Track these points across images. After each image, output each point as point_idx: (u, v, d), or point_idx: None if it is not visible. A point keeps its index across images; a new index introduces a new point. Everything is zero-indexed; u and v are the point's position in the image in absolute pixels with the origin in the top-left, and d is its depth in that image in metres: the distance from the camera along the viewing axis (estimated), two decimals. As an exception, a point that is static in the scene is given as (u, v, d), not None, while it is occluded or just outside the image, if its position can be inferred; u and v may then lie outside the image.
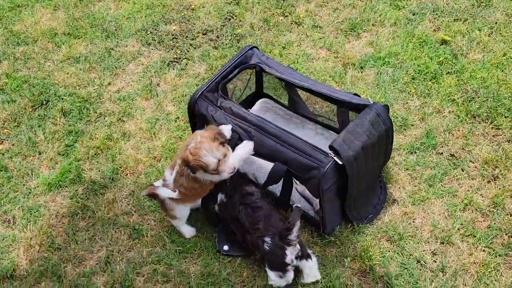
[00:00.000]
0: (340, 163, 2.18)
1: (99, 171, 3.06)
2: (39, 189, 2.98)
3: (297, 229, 2.22)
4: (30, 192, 2.97)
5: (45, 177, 3.04)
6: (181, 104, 3.37)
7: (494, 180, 2.63)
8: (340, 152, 2.16)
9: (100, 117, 3.38)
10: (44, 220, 2.82)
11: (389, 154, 2.48)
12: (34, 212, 2.86)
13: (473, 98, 3.03)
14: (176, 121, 3.29)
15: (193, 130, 2.85)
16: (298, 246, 2.30)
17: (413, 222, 2.54)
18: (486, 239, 2.42)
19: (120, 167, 3.06)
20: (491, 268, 2.31)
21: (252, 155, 2.52)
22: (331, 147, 2.20)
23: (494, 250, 2.38)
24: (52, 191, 2.98)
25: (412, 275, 2.35)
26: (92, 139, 3.24)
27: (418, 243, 2.46)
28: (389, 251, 2.45)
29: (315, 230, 2.56)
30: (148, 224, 2.76)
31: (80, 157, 3.14)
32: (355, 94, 2.56)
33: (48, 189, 2.98)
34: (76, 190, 2.97)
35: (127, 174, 3.03)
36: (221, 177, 2.32)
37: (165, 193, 2.45)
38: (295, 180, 2.47)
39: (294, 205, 2.27)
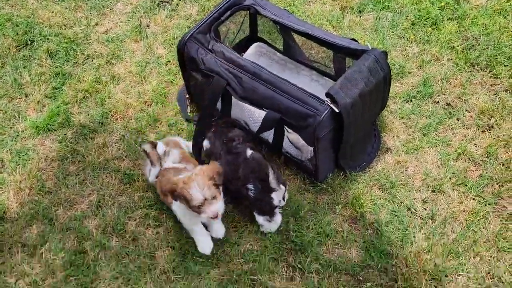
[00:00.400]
0: (337, 111, 2.13)
1: (88, 115, 2.98)
2: (27, 132, 2.91)
3: (272, 177, 2.23)
4: (18, 135, 2.90)
5: (33, 120, 2.97)
6: (172, 47, 3.24)
7: (489, 130, 2.61)
8: (337, 100, 2.10)
9: (88, 59, 3.26)
10: (33, 163, 2.78)
11: (385, 101, 2.43)
12: (23, 155, 2.81)
13: (473, 45, 2.94)
14: (167, 64, 3.18)
15: (184, 74, 2.76)
16: (282, 187, 2.31)
17: (406, 170, 2.54)
18: (477, 188, 2.43)
19: (110, 111, 2.98)
20: (480, 216, 2.34)
21: (244, 102, 2.46)
22: (327, 94, 2.14)
23: (484, 199, 2.40)
24: (41, 135, 2.91)
25: (402, 222, 2.38)
26: (80, 82, 3.14)
27: (409, 191, 2.47)
28: (380, 199, 2.46)
29: (307, 177, 2.55)
30: (140, 169, 2.73)
31: (68, 100, 3.05)
32: (353, 40, 2.47)
33: (36, 132, 2.91)
34: (65, 134, 2.90)
35: (117, 119, 2.97)
36: (199, 216, 2.20)
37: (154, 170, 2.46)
38: (286, 128, 2.43)
39: None
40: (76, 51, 3.28)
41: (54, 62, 3.23)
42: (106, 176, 2.71)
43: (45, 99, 3.09)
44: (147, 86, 3.08)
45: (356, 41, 2.46)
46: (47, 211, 2.60)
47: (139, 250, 2.44)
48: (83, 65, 3.23)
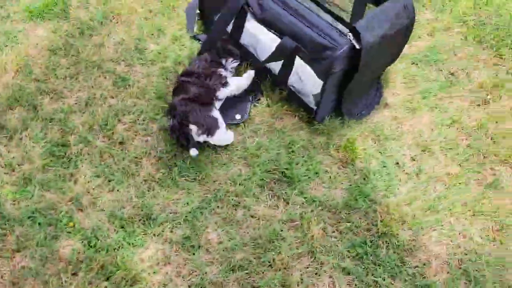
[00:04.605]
0: (358, 47, 2.11)
1: (88, 10, 2.82)
2: (18, 15, 2.74)
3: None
4: (8, 16, 2.72)
5: (27, 4, 2.77)
6: (187, -40, 3.09)
7: (484, 105, 2.69)
8: (362, 36, 2.07)
9: (94, -46, 3.06)
10: (23, 47, 2.62)
11: (399, 53, 2.44)
12: (12, 37, 2.64)
13: (484, 23, 2.99)
14: (178, -23, 3.04)
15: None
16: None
17: (400, 127, 2.59)
18: (464, 155, 2.51)
19: (112, 12, 2.84)
20: (462, 181, 2.43)
21: (262, 24, 2.40)
22: (352, 29, 2.11)
23: (468, 166, 2.48)
24: (33, 20, 2.74)
25: (389, 174, 2.43)
26: (84, -25, 2.95)
27: (400, 147, 2.52)
28: (372, 149, 2.50)
29: (307, 115, 2.55)
30: (135, 76, 2.64)
31: (68, -9, 2.87)
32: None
33: (29, 17, 2.74)
34: (60, 25, 2.74)
35: (118, 22, 2.83)
36: None
37: None
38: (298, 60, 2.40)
39: None
40: None
41: (57, -51, 3.01)
42: (99, 76, 2.60)
43: (42, -14, 2.89)
44: (154, -5, 2.94)
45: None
46: (32, 98, 2.47)
47: (125, 153, 2.37)
48: (89, -42, 3.03)
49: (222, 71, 2.46)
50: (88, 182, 2.28)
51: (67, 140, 2.37)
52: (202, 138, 2.33)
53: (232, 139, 2.43)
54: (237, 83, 2.51)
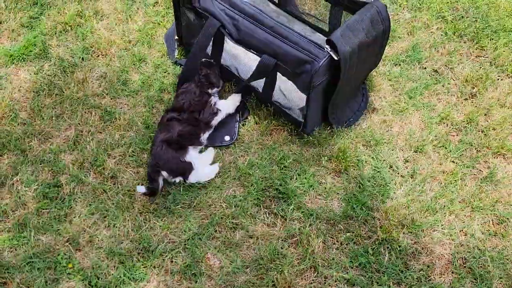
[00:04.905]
0: (336, 58, 2.11)
1: (67, 48, 2.83)
2: (-1, 61, 2.73)
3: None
4: (-11, 63, 2.72)
5: (7, 48, 2.79)
6: (161, -13, 3.11)
7: (471, 98, 2.69)
8: (338, 47, 2.08)
9: (69, -10, 3.08)
10: (6, 92, 2.62)
11: (380, 58, 2.44)
12: (-5, 83, 2.64)
13: (462, 17, 2.99)
14: (154, 5, 3.05)
15: (176, 12, 2.65)
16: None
17: (390, 130, 2.58)
18: (457, 151, 2.50)
19: (91, 47, 2.84)
20: (457, 178, 2.42)
21: (239, 45, 2.40)
22: (328, 41, 2.11)
23: (462, 162, 2.48)
24: (15, 64, 2.75)
25: (384, 178, 2.42)
26: (60, 14, 2.96)
27: (392, 150, 2.51)
28: (364, 155, 2.49)
29: (295, 129, 2.55)
30: (121, 108, 2.63)
31: (47, 31, 2.88)
32: (353, -8, 2.45)
33: (10, 61, 2.74)
34: (41, 66, 2.75)
35: (98, 56, 2.83)
36: None
37: None
38: (279, 75, 2.40)
39: None
40: (57, -19, 3.08)
41: (32, -10, 3.03)
42: (85, 112, 2.60)
43: (21, 28, 2.90)
44: (132, 25, 2.94)
45: (355, -5, 2.44)
46: (20, 142, 2.46)
47: (118, 187, 2.36)
48: (64, -4, 3.05)
49: (212, 100, 2.47)
50: (84, 220, 2.27)
51: (59, 181, 2.36)
52: (178, 179, 2.36)
53: (213, 173, 2.42)
54: (226, 109, 2.53)
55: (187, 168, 2.35)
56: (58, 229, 2.24)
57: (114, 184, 2.38)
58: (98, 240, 2.22)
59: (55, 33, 2.88)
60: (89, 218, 2.27)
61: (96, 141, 2.49)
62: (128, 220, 2.27)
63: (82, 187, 2.36)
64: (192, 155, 2.40)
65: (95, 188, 2.35)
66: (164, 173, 2.31)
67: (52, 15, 2.95)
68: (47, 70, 2.73)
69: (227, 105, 2.54)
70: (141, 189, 2.27)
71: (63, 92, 2.64)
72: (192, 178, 2.37)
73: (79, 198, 2.33)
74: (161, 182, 2.32)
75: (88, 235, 2.23)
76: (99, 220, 2.28)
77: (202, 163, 2.42)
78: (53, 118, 2.56)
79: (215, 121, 2.50)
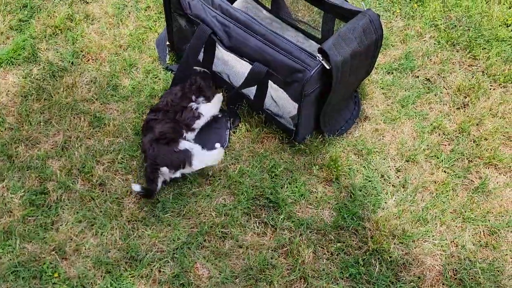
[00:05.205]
0: (328, 67, 2.09)
1: (57, 52, 2.79)
2: (-13, 64, 2.69)
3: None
4: (-24, 66, 2.68)
5: (-5, 51, 2.74)
6: (153, -9, 3.08)
7: (464, 108, 2.68)
8: (330, 56, 2.06)
9: (60, -6, 3.04)
10: (-7, 96, 2.58)
11: (372, 66, 2.42)
12: (-18, 87, 2.59)
13: (455, 26, 2.99)
14: (146, 10, 3.02)
15: (167, 18, 2.62)
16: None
17: (382, 139, 2.57)
18: (448, 161, 2.49)
19: (81, 51, 2.80)
20: (449, 188, 2.41)
21: (231, 52, 2.38)
22: (320, 50, 2.09)
23: (454, 172, 2.46)
24: (2, 67, 2.70)
25: (375, 188, 2.41)
26: (50, 17, 2.93)
27: (384, 159, 2.50)
28: (355, 164, 2.48)
29: (286, 137, 2.52)
30: (111, 114, 2.60)
31: (36, 35, 2.84)
32: (345, 0, 2.43)
33: (-2, 64, 2.70)
34: (30, 70, 2.71)
35: (88, 60, 2.79)
36: None
37: None
38: (271, 84, 2.38)
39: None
40: (48, -16, 3.05)
41: (22, -7, 2.99)
42: (74, 117, 2.56)
43: (9, 31, 2.86)
44: (123, 30, 2.91)
45: (347, 2, 2.42)
46: (7, 148, 2.42)
47: (106, 195, 2.33)
48: (54, 0, 3.01)
49: (193, 105, 2.44)
50: (71, 228, 2.23)
51: (46, 187, 2.32)
52: (179, 173, 2.32)
53: (220, 154, 2.39)
54: (209, 111, 2.50)
55: (186, 156, 2.30)
56: (44, 237, 2.20)
57: (102, 191, 2.34)
58: (85, 249, 2.18)
59: (45, 37, 2.84)
60: (76, 226, 2.24)
61: (85, 147, 2.46)
62: (116, 228, 2.24)
63: (70, 194, 2.32)
64: (186, 143, 2.36)
65: (82, 196, 2.31)
66: (164, 169, 2.26)
67: (42, 18, 2.91)
68: (36, 74, 2.69)
69: (209, 108, 2.50)
70: (136, 187, 2.23)
71: (52, 97, 2.60)
72: (197, 162, 2.31)
73: (66, 205, 2.29)
74: (159, 184, 2.28)
75: (74, 244, 2.19)
76: (87, 228, 2.24)
77: (199, 147, 2.37)
78: (41, 123, 2.52)
79: (197, 125, 2.46)
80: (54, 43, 2.82)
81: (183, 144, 2.32)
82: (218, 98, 2.54)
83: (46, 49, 2.80)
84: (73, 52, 2.78)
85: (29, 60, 2.74)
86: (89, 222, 2.25)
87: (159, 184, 2.28)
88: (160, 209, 2.29)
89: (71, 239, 2.20)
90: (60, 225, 2.23)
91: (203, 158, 2.34)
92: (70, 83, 2.66)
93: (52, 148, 2.46)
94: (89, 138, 2.50)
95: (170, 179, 2.32)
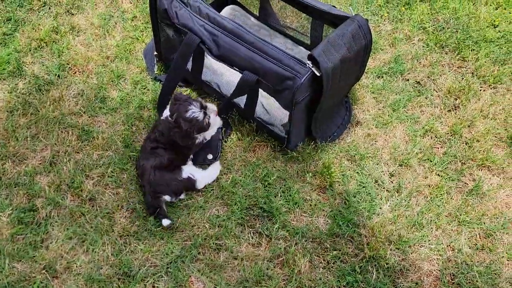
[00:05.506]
0: (318, 74, 2.07)
1: (43, 65, 2.74)
2: (-29, 79, 2.63)
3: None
4: (-40, 81, 2.62)
5: (-21, 66, 2.69)
6: (140, 1, 3.05)
7: (455, 110, 2.68)
8: (320, 63, 2.04)
9: (44, 6, 3.00)
10: (-22, 113, 2.52)
11: (362, 72, 2.41)
12: (-34, 103, 2.54)
13: (443, 28, 3.00)
14: (133, 20, 2.99)
15: (154, 28, 2.59)
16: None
17: (375, 144, 2.55)
18: (442, 164, 2.48)
19: (68, 64, 2.76)
20: (443, 191, 2.39)
21: (219, 61, 2.35)
22: (310, 57, 2.07)
23: (447, 175, 2.45)
24: (-13, 83, 2.65)
25: (369, 193, 2.39)
26: (35, 30, 2.88)
27: (377, 164, 2.48)
28: (349, 170, 2.46)
29: (278, 145, 2.50)
30: (99, 126, 2.55)
31: (21, 48, 2.80)
32: (333, 6, 2.42)
33: (-18, 80, 2.64)
34: (16, 84, 2.66)
35: (75, 72, 2.75)
36: None
37: None
38: (261, 92, 2.35)
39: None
40: (32, -4, 3.01)
41: (6, 6, 2.95)
42: (62, 132, 2.51)
43: (-7, 45, 2.81)
44: (110, 41, 2.87)
45: (335, 8, 2.41)
46: (-7, 165, 2.37)
47: (97, 210, 2.28)
48: (39, 12, 2.97)
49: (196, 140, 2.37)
50: (61, 246, 2.17)
51: (35, 204, 2.27)
52: (182, 196, 2.32)
53: (217, 169, 2.40)
54: (208, 135, 2.45)
55: (189, 183, 2.31)
56: (34, 256, 2.14)
57: (92, 206, 2.30)
58: (76, 266, 2.13)
59: (30, 50, 2.79)
60: (67, 243, 2.18)
61: (74, 161, 2.41)
62: (107, 244, 2.19)
63: (59, 211, 2.27)
64: (187, 169, 2.34)
65: (72, 212, 2.26)
66: (167, 197, 2.26)
67: (27, 31, 2.87)
68: (22, 89, 2.64)
69: (209, 133, 2.45)
70: (166, 222, 2.21)
71: (39, 111, 2.55)
72: (201, 185, 2.35)
73: (55, 222, 2.24)
74: (164, 207, 2.26)
75: (65, 261, 2.14)
76: (77, 245, 2.19)
77: (200, 170, 2.38)
78: (28, 138, 2.46)
79: (196, 147, 2.42)
80: (39, 56, 2.78)
81: (186, 172, 2.31)
82: (217, 121, 2.47)
83: (32, 62, 2.75)
84: (59, 65, 2.74)
85: (14, 74, 2.69)
86: (80, 238, 2.20)
87: (164, 207, 2.26)
88: (153, 222, 2.25)
89: (62, 257, 2.15)
90: (50, 243, 2.18)
91: (204, 180, 2.36)
92: (56, 96, 2.61)
93: (40, 163, 2.41)
94: (78, 152, 2.45)
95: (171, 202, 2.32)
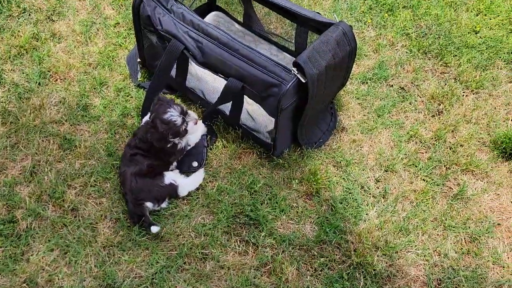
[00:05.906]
0: (303, 81, 2.06)
1: (23, 73, 2.68)
2: None
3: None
4: None
5: (-44, 74, 2.62)
6: (122, 8, 3.01)
7: (438, 115, 2.70)
8: (305, 69, 2.03)
9: (24, 13, 2.94)
10: (-45, 122, 2.45)
11: (347, 78, 2.41)
12: None
13: (425, 34, 3.02)
14: (115, 26, 2.95)
15: (137, 35, 2.56)
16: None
17: (360, 149, 2.55)
18: (426, 169, 2.49)
19: (49, 71, 2.70)
20: (428, 196, 2.41)
21: (204, 68, 2.33)
22: (295, 63, 2.06)
23: (432, 180, 2.47)
24: (-35, 91, 2.58)
25: (356, 199, 2.38)
26: (15, 37, 2.82)
27: (363, 170, 2.48)
28: (335, 176, 2.45)
29: (264, 152, 2.48)
30: (82, 135, 2.50)
31: (0, 56, 2.73)
32: (317, 13, 2.42)
33: (-40, 88, 2.57)
34: (-6, 92, 2.59)
35: (56, 80, 2.70)
36: None
37: None
38: (246, 99, 2.34)
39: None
40: (11, 2, 2.94)
41: (-16, 13, 2.88)
42: (43, 141, 2.45)
43: (-29, 52, 2.74)
44: (92, 48, 2.83)
45: (320, 14, 2.41)
46: (-29, 176, 2.30)
47: (79, 221, 2.23)
48: (19, 19, 2.91)
49: (176, 141, 2.29)
50: (42, 258, 2.12)
51: (15, 216, 2.20)
52: (164, 204, 2.28)
53: (201, 177, 2.38)
54: (191, 141, 2.43)
55: (171, 189, 2.27)
56: (14, 269, 2.08)
57: (75, 217, 2.25)
58: (58, 279, 2.08)
59: (9, 57, 2.73)
60: (48, 256, 2.13)
61: (55, 171, 2.35)
62: (90, 255, 2.14)
63: (40, 222, 2.21)
64: (169, 175, 2.31)
65: (54, 222, 2.21)
66: (149, 204, 2.22)
67: (6, 38, 2.80)
68: (1, 97, 2.58)
69: (191, 139, 2.42)
70: (155, 229, 2.17)
71: (19, 120, 2.49)
72: (183, 192, 2.32)
73: (36, 234, 2.18)
74: (148, 214, 2.21)
75: (47, 274, 2.08)
76: (59, 257, 2.13)
77: (182, 177, 2.35)
78: (8, 148, 2.40)
79: (180, 155, 2.40)
80: (19, 64, 2.72)
81: (168, 178, 2.28)
82: (201, 128, 2.47)
83: (11, 70, 2.69)
84: (40, 72, 2.68)
85: (-7, 82, 2.62)
86: (62, 250, 2.15)
87: (148, 215, 2.22)
88: (137, 232, 2.21)
89: (43, 270, 2.09)
90: (31, 255, 2.12)
91: (187, 187, 2.33)
92: (37, 104, 2.55)
93: (20, 173, 2.35)
94: (59, 162, 2.40)
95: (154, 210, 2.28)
